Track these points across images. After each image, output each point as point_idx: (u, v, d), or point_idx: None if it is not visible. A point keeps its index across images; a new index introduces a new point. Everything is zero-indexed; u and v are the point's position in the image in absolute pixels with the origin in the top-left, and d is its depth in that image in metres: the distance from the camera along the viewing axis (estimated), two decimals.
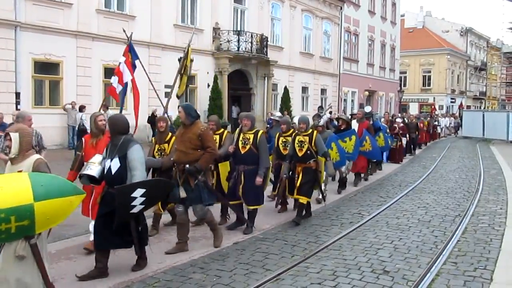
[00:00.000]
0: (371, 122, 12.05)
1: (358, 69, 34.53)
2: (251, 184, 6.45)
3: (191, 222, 6.40)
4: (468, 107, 52.31)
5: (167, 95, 20.88)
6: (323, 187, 8.39)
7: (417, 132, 19.95)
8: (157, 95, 8.76)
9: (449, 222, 7.57)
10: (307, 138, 7.32)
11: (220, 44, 21.91)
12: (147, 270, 5.08)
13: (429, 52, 48.98)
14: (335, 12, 31.33)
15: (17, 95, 14.87)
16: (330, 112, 20.77)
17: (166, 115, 7.60)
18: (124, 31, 9.34)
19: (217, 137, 6.89)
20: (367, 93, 35.55)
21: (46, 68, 16.07)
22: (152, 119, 18.26)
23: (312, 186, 7.39)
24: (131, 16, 18.22)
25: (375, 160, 12.72)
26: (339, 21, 31.81)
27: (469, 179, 12.59)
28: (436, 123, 29.71)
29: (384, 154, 14.72)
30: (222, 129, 7.08)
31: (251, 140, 6.52)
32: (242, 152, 6.52)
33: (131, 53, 8.40)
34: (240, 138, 6.59)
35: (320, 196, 8.43)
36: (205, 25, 21.41)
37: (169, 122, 6.90)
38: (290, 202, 8.13)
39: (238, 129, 6.79)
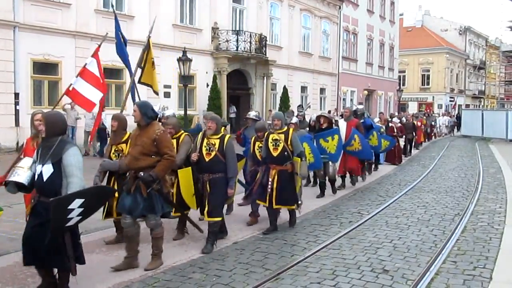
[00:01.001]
0: (361, 120, 11.40)
1: (357, 69, 34.55)
2: (216, 194, 5.75)
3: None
4: (467, 106, 52.38)
5: (166, 95, 20.92)
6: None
7: (414, 133, 18.99)
8: (137, 93, 8.00)
9: (448, 221, 7.57)
10: (282, 136, 6.68)
11: (219, 44, 21.91)
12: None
13: (428, 51, 49.04)
14: (333, 11, 31.34)
15: (16, 95, 14.87)
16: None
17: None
18: (112, 6, 9.19)
19: (174, 141, 6.10)
20: (366, 92, 35.59)
21: (45, 69, 16.08)
22: None
23: (294, 190, 6.80)
24: (130, 16, 18.21)
25: (370, 161, 12.31)
26: (338, 20, 31.83)
27: (468, 178, 12.60)
28: (433, 122, 29.37)
29: (381, 154, 14.40)
30: (181, 132, 6.31)
31: (216, 145, 5.76)
32: (207, 159, 5.76)
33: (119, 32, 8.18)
34: (204, 144, 5.82)
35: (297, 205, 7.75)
36: (204, 25, 21.42)
37: (126, 121, 6.09)
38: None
39: (201, 133, 6.11)
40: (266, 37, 23.94)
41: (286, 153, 6.66)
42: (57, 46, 15.86)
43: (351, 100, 34.25)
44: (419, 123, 21.47)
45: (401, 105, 40.29)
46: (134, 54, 19.82)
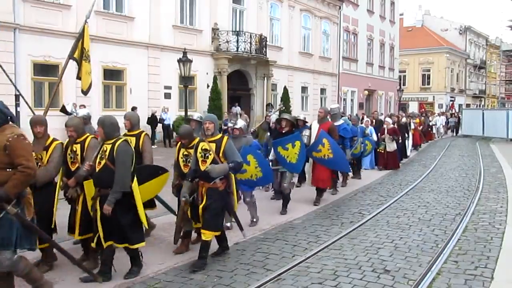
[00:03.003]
0: (340, 123, 9.75)
1: (357, 69, 34.55)
2: (111, 215, 4.68)
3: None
4: (468, 105, 52.37)
5: (167, 96, 20.91)
6: (251, 214, 6.94)
7: (406, 134, 16.93)
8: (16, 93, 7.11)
9: (449, 220, 7.57)
10: (213, 146, 5.34)
11: (219, 44, 21.92)
12: (148, 271, 5.09)
13: (428, 51, 49.06)
14: (334, 11, 31.35)
15: (17, 97, 14.88)
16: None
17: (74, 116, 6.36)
18: None
19: (78, 146, 5.17)
20: (366, 92, 35.60)
21: (46, 70, 16.10)
22: (152, 120, 18.29)
23: (220, 214, 5.42)
24: (130, 17, 18.23)
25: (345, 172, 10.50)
26: (338, 20, 31.83)
27: (469, 177, 12.59)
28: (430, 123, 28.11)
29: (368, 159, 13.42)
30: (86, 135, 5.27)
31: (107, 152, 4.75)
32: (97, 169, 4.82)
33: None
34: (101, 151, 4.89)
35: (229, 224, 6.60)
36: (204, 26, 21.43)
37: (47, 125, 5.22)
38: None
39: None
40: (266, 37, 23.95)
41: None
42: (58, 48, 15.85)
43: (352, 100, 34.29)
44: (414, 124, 19.88)
45: (402, 105, 40.32)
46: (134, 54, 19.85)
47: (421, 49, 48.99)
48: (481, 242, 6.29)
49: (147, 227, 5.16)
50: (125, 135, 5.64)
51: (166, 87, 19.70)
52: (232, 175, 5.60)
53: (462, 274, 5.09)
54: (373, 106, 36.70)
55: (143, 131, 6.14)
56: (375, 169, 13.72)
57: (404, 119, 17.70)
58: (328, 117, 9.12)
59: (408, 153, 17.23)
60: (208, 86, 21.15)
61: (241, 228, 5.85)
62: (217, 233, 5.45)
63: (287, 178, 7.89)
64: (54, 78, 16.27)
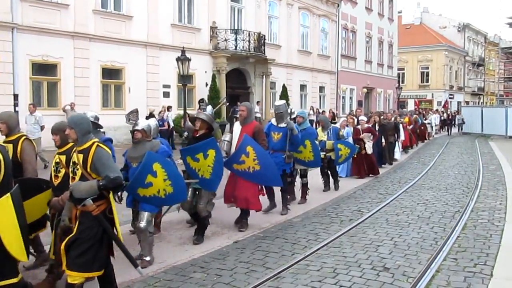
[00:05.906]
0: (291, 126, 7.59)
1: (356, 66, 34.54)
2: None
3: None
4: (467, 103, 52.43)
5: (166, 94, 20.88)
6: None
7: (396, 135, 15.22)
8: None
9: (448, 218, 7.58)
10: (80, 158, 3.99)
11: (218, 43, 21.91)
12: (148, 270, 5.09)
13: (426, 49, 49.07)
14: (332, 9, 31.33)
15: (15, 96, 14.87)
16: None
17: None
18: None
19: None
20: (365, 90, 35.60)
21: (44, 70, 16.07)
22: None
23: (90, 248, 3.89)
24: (128, 16, 18.20)
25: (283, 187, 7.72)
26: (337, 18, 31.82)
27: (468, 175, 12.60)
28: (425, 121, 26.27)
29: (343, 166, 11.56)
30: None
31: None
32: None
33: None
34: None
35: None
36: (202, 24, 21.42)
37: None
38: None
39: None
40: (264, 36, 23.93)
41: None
42: (56, 47, 15.86)
43: (350, 98, 34.29)
44: (404, 123, 17.86)
45: (401, 102, 40.34)
46: (133, 53, 19.85)
47: (420, 47, 49.02)
48: (480, 240, 6.30)
49: (22, 259, 3.68)
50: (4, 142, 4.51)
51: (164, 86, 19.69)
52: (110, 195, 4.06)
53: (462, 272, 5.10)
54: (372, 104, 36.74)
55: (22, 136, 4.84)
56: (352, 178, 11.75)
57: (397, 118, 16.75)
58: (254, 116, 7.10)
59: (398, 156, 15.67)
60: (206, 84, 21.16)
61: (134, 265, 4.21)
62: (89, 275, 3.98)
63: (203, 196, 6.17)
64: (52, 78, 16.28)
